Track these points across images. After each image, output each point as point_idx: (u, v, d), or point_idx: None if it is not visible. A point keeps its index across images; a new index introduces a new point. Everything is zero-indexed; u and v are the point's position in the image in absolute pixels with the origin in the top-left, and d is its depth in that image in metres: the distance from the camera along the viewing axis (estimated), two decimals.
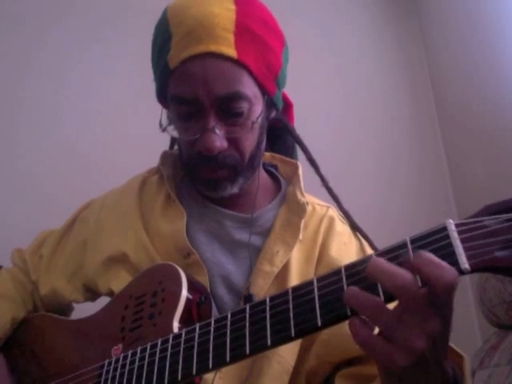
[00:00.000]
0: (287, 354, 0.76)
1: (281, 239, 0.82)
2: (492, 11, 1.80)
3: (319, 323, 0.52)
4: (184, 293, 0.71)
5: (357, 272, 0.52)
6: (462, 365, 0.63)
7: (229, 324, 0.58)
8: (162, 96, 0.83)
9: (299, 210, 0.85)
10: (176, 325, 0.69)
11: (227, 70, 0.75)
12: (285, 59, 0.84)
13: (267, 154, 0.96)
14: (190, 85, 0.75)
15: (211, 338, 0.59)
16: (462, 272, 0.46)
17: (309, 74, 1.85)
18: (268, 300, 0.57)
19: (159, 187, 0.91)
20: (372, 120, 2.00)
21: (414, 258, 0.47)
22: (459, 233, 0.48)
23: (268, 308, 0.56)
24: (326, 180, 0.91)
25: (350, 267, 0.53)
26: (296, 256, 0.82)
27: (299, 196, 0.87)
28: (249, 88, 0.77)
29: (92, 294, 0.94)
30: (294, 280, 0.79)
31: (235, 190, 0.82)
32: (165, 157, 0.94)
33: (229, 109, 0.76)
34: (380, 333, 0.50)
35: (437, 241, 0.48)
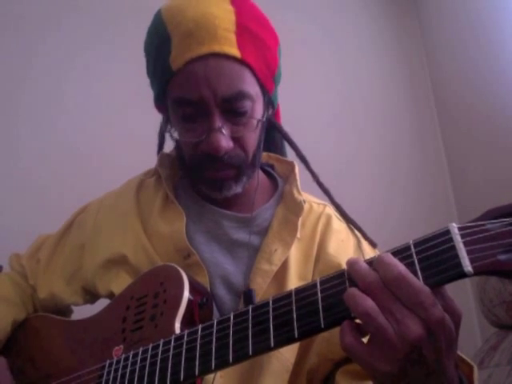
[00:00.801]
0: (287, 352, 0.76)
1: (279, 238, 0.82)
2: (492, 11, 1.81)
3: (322, 325, 0.52)
4: (186, 294, 0.71)
5: None
6: (472, 375, 0.63)
7: (231, 325, 0.59)
8: (161, 100, 0.83)
9: (296, 208, 0.85)
10: (178, 326, 0.68)
11: (231, 69, 0.75)
12: (279, 57, 0.84)
13: (263, 154, 0.96)
14: (195, 86, 0.75)
15: (214, 339, 0.59)
16: (465, 275, 0.47)
17: (309, 74, 1.85)
18: (271, 302, 0.57)
19: (157, 188, 0.91)
20: (372, 120, 2.00)
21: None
22: (462, 236, 0.48)
23: (271, 309, 0.56)
24: (316, 175, 0.91)
25: None
26: (294, 254, 0.82)
27: (296, 194, 0.87)
28: (251, 87, 0.77)
29: (91, 296, 0.94)
30: (293, 278, 0.80)
31: (239, 189, 0.82)
32: (162, 158, 0.93)
33: (233, 108, 0.76)
34: (369, 339, 0.50)
35: (440, 244, 0.49)
